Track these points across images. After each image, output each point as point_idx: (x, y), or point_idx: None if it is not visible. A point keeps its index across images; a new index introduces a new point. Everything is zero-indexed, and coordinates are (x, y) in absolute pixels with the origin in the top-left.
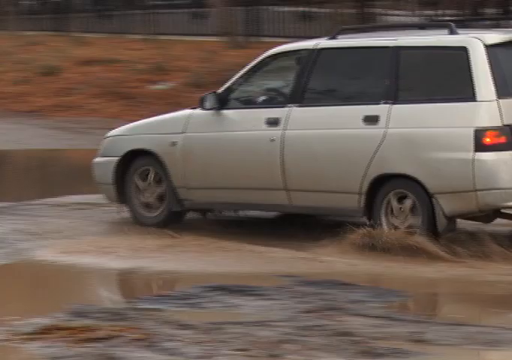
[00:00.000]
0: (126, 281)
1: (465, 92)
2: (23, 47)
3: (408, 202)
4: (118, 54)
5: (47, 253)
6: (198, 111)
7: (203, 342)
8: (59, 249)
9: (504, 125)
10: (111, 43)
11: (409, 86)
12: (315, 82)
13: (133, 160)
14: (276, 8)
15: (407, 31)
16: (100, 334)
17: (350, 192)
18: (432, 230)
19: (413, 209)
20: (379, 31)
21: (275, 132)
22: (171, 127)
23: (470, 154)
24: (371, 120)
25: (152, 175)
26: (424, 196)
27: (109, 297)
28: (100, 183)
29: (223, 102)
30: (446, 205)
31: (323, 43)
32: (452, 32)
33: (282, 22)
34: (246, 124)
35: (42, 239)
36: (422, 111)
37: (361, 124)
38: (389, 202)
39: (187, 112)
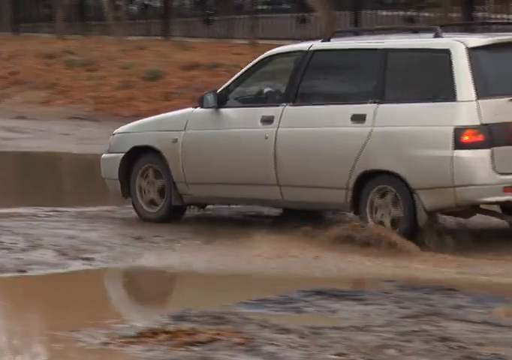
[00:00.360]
0: (226, 284)
1: (447, 93)
2: (128, 52)
3: (391, 198)
4: (221, 59)
5: (149, 257)
6: (198, 109)
7: (302, 346)
8: (160, 253)
9: (483, 124)
10: (214, 47)
11: (395, 87)
12: (308, 82)
13: (138, 156)
14: (379, 12)
15: (398, 35)
16: (200, 337)
17: (338, 187)
18: (414, 225)
19: (396, 204)
20: (372, 34)
21: (269, 129)
22: (173, 125)
23: (449, 152)
24: (359, 119)
25: (153, 171)
26: (406, 191)
27: (209, 300)
28: (107, 178)
29: (221, 101)
30: (426, 200)
31: (317, 45)
32: (437, 35)
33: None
34: (243, 122)
35: (143, 242)
36: (406, 110)
37: (349, 122)
38: (374, 198)
39: (188, 110)
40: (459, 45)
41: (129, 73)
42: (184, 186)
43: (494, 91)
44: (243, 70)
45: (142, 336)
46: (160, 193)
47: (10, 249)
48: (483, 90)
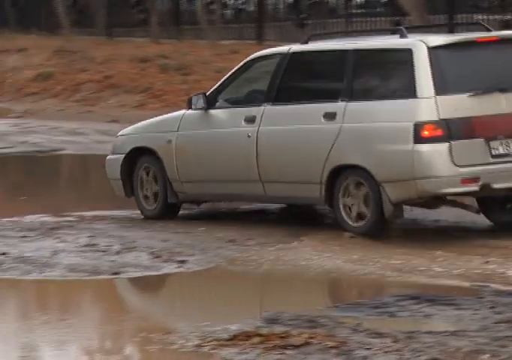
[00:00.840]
0: (320, 287)
1: (408, 90)
2: (221, 56)
3: (360, 191)
4: None
5: (246, 258)
6: (190, 111)
7: (395, 351)
8: (255, 254)
9: (441, 119)
10: None
11: (363, 85)
12: (286, 82)
13: (137, 157)
14: (475, 16)
15: (371, 37)
16: (293, 341)
17: (313, 182)
18: (382, 217)
19: (365, 197)
20: (347, 36)
21: (252, 128)
22: (168, 126)
23: (410, 146)
24: (330, 116)
25: (151, 171)
26: (373, 184)
27: (303, 303)
28: (111, 178)
29: (211, 102)
30: (391, 192)
31: (295, 47)
32: (402, 36)
33: (480, 29)
34: (228, 122)
35: (236, 245)
36: (372, 107)
37: (322, 120)
38: (345, 191)
39: (181, 112)
40: (420, 44)
41: (223, 77)
42: (178, 184)
43: (454, 88)
44: (230, 72)
45: (235, 339)
46: (155, 192)
47: (104, 251)
48: (443, 87)
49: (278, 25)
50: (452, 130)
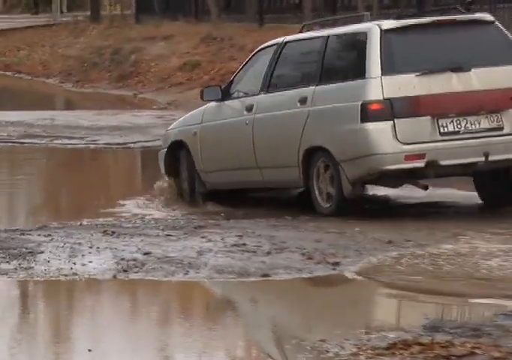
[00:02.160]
0: (488, 291)
1: (361, 71)
2: None
3: (327, 172)
4: None
5: (400, 262)
6: (212, 104)
7: None
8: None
9: (385, 98)
10: None
11: (329, 69)
12: (278, 71)
13: (178, 150)
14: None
15: (353, 23)
16: (456, 351)
17: (293, 165)
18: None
19: (331, 178)
20: (336, 24)
21: (249, 117)
22: (194, 119)
23: (358, 125)
24: (303, 101)
25: (185, 163)
26: (335, 164)
27: (467, 310)
28: (162, 172)
29: (226, 94)
30: (348, 171)
31: (288, 37)
32: (363, 21)
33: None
34: (234, 112)
35: (394, 246)
36: (332, 90)
37: (297, 104)
38: (318, 173)
39: (205, 105)
40: (375, 28)
41: None
42: (204, 174)
43: (401, 68)
44: (242, 64)
45: (393, 347)
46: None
47: (254, 252)
48: (390, 67)
49: (440, 9)
50: (396, 108)
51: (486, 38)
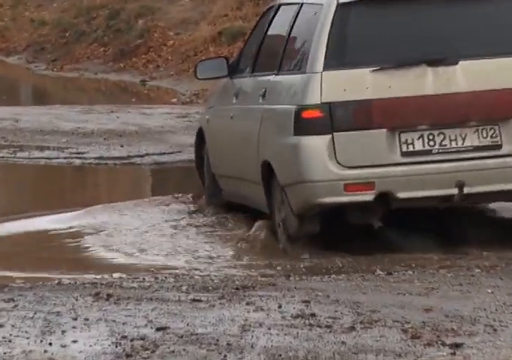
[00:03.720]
0: None
1: (304, 61)
2: None
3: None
4: None
5: None
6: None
7: None
8: None
9: (323, 103)
10: None
11: (290, 53)
12: (264, 46)
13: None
14: None
15: None
16: None
17: (257, 182)
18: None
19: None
20: None
21: (234, 107)
22: (208, 103)
23: (291, 138)
24: (263, 95)
25: (206, 161)
26: (282, 188)
27: None
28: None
29: (233, 69)
30: (291, 200)
31: None
32: None
33: None
34: (230, 96)
35: None
36: (283, 85)
37: (259, 99)
38: (275, 195)
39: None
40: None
41: None
42: (218, 178)
43: (354, 61)
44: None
45: None
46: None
47: (328, 327)
48: (337, 59)
49: None
50: (337, 117)
51: (490, 16)
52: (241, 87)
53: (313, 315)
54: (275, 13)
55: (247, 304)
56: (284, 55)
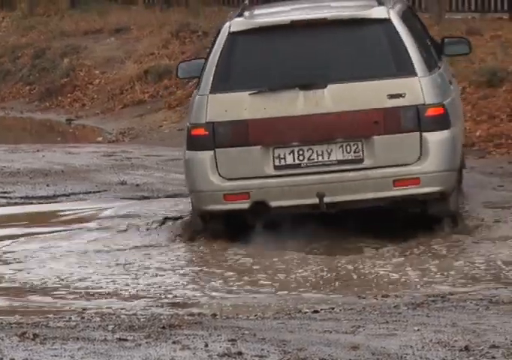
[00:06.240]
0: None
1: (199, 83)
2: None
3: None
4: None
5: None
6: None
7: None
8: None
9: (208, 122)
10: None
11: (205, 71)
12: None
13: None
14: None
15: None
16: None
17: None
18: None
19: None
20: None
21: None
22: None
23: (185, 152)
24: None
25: None
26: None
27: None
28: None
29: None
30: (192, 203)
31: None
32: (238, 15)
33: None
34: None
35: None
36: (192, 101)
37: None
38: None
39: None
40: (225, 28)
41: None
42: None
43: (235, 85)
44: None
45: None
46: None
47: None
48: (222, 83)
49: None
50: (218, 135)
51: (365, 43)
52: None
53: (240, 353)
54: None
55: (173, 343)
56: (201, 75)
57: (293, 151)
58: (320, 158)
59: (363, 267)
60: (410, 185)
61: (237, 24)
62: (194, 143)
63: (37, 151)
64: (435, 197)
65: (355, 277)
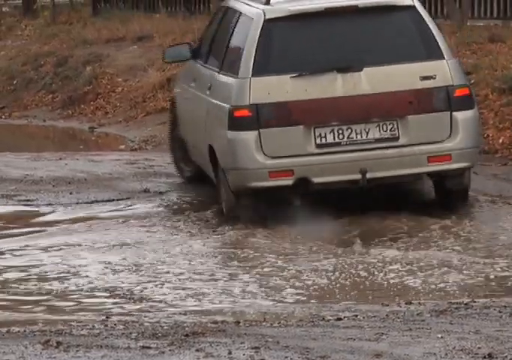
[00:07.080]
0: None
1: (237, 67)
2: (473, 46)
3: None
4: None
5: None
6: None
7: None
8: None
9: (251, 104)
10: None
11: (229, 55)
12: (216, 40)
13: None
14: None
15: None
16: None
17: (207, 160)
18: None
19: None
20: None
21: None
22: (179, 77)
23: (226, 132)
24: (209, 88)
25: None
26: (222, 169)
27: None
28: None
29: (195, 54)
30: (230, 181)
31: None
32: (266, 3)
33: None
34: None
35: None
36: (222, 84)
37: (206, 91)
38: (218, 172)
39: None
40: (259, 15)
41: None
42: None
43: (277, 69)
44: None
45: None
46: None
47: None
48: (263, 66)
49: None
50: (262, 116)
51: (395, 29)
52: (197, 73)
53: None
54: (224, 14)
55: (197, 350)
56: (225, 57)
57: (333, 131)
58: (358, 137)
59: (387, 272)
60: (443, 161)
61: (272, 11)
62: (237, 124)
63: (60, 159)
64: (459, 173)
65: (377, 283)
